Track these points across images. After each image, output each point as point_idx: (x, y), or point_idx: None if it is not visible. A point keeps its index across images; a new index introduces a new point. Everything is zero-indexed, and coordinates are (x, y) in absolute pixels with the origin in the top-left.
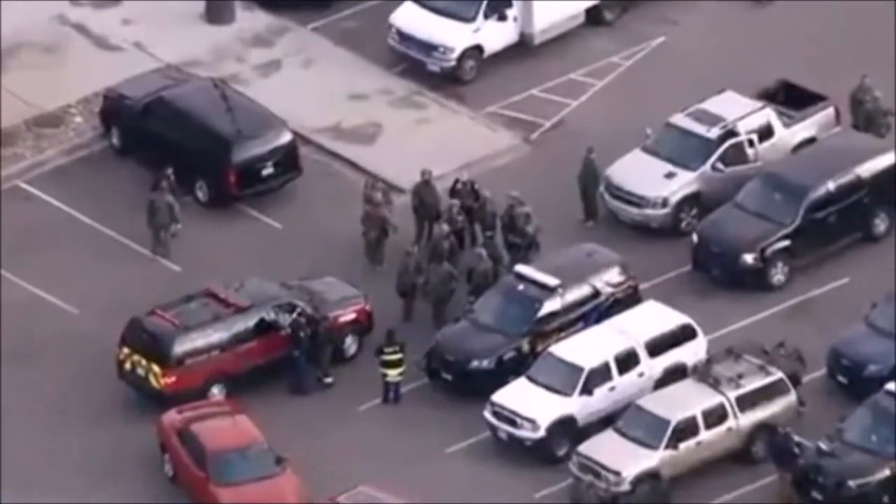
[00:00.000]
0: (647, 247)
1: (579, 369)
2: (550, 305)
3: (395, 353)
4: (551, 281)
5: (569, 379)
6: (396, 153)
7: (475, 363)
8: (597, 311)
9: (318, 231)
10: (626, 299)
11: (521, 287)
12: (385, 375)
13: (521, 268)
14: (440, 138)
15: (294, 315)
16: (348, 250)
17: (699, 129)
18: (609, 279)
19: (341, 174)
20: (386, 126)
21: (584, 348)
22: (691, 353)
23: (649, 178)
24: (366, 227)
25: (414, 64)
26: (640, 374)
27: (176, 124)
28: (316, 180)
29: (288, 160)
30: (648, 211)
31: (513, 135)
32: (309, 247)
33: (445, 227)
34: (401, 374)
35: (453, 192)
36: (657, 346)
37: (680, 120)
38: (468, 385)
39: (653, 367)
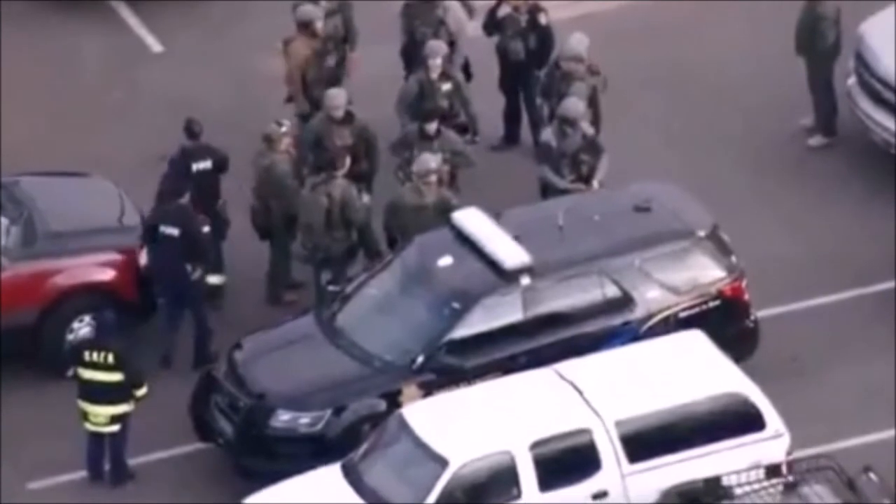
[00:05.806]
0: None
1: (440, 462)
2: (498, 310)
3: (106, 367)
4: (513, 256)
5: (421, 483)
6: None
7: (283, 418)
8: (623, 336)
9: (229, 76)
10: (707, 317)
11: (442, 260)
12: (85, 416)
13: (463, 217)
14: None
15: None
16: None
17: None
18: (670, 275)
19: None
20: None
21: (473, 416)
22: (747, 458)
23: None
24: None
25: None
26: (601, 496)
27: None
28: None
29: None
30: None
31: None
32: (201, 105)
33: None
34: (119, 416)
35: (493, 20)
36: (655, 438)
37: None
38: (255, 459)
39: (636, 482)
